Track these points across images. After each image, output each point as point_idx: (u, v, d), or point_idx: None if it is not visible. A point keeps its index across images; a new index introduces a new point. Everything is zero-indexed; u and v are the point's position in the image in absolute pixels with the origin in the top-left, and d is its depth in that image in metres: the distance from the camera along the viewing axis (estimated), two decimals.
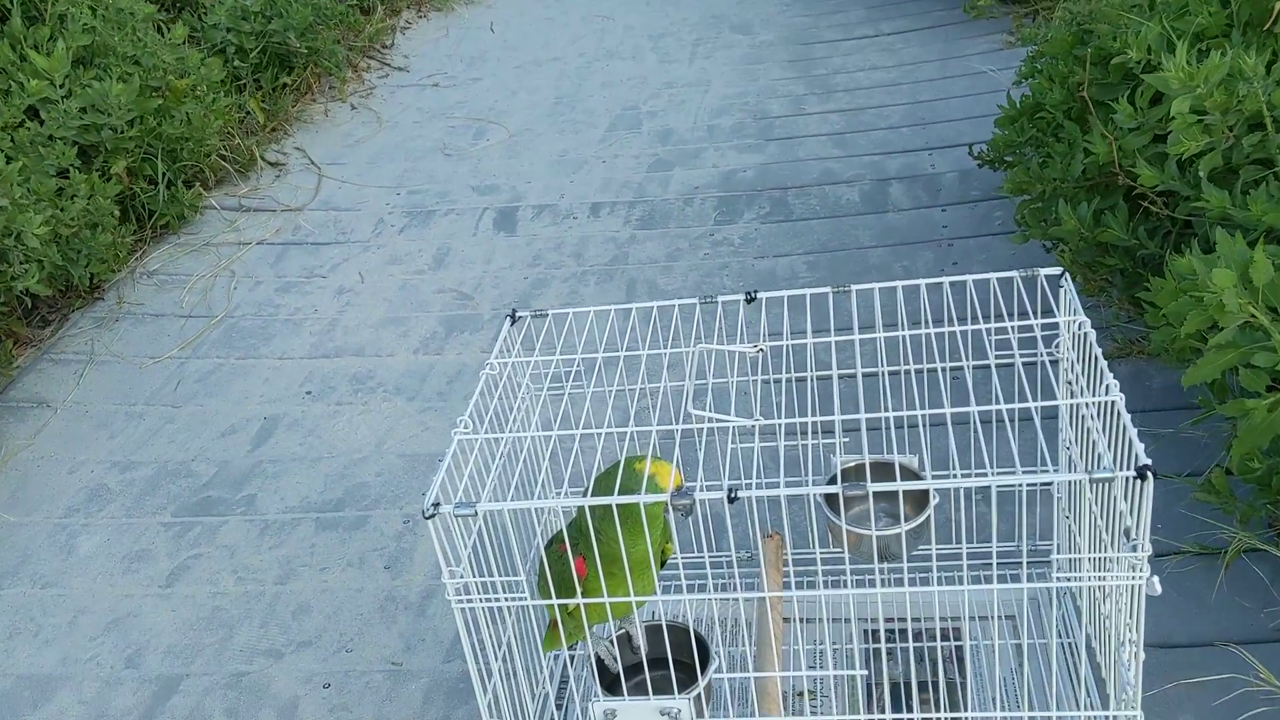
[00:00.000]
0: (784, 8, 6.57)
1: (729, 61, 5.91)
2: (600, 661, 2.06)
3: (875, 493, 2.34)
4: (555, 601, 1.90)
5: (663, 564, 2.07)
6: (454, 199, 4.80)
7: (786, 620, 2.39)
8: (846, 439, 2.19)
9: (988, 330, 1.98)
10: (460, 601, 1.85)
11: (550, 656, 2.34)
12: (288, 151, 5.31)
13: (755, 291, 2.17)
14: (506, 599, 1.89)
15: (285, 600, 2.86)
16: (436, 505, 1.80)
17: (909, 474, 2.32)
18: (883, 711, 2.18)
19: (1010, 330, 2.01)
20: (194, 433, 3.53)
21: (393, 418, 3.48)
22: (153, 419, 3.62)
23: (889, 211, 4.20)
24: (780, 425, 1.80)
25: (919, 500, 2.30)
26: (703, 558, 2.16)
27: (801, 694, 2.33)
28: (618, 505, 1.75)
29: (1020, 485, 1.69)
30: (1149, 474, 1.61)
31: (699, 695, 1.92)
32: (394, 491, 3.17)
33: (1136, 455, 1.63)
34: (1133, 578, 1.72)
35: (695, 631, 1.99)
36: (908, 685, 2.28)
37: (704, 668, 1.96)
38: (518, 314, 2.23)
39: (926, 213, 4.14)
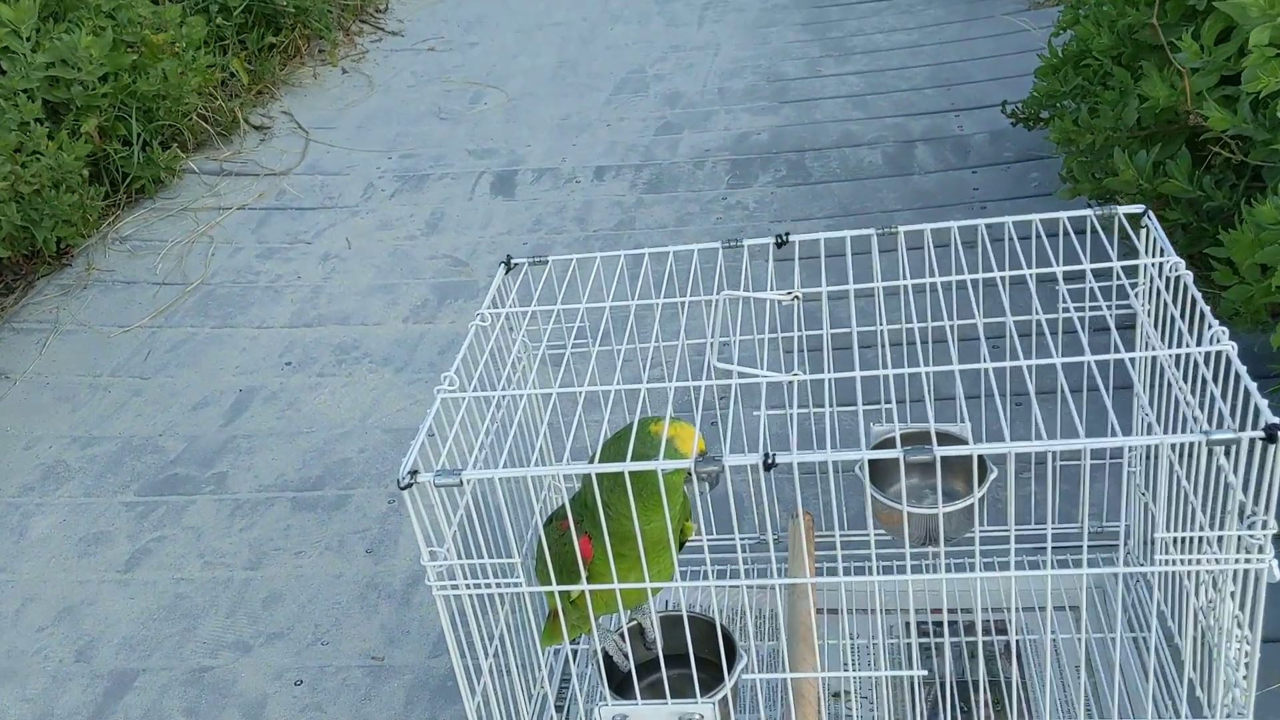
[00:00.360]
0: None
1: (740, 25, 5.61)
2: (608, 658, 1.78)
3: (919, 466, 2.06)
4: (556, 588, 1.62)
5: (681, 545, 1.79)
6: (449, 163, 4.51)
7: (818, 612, 2.10)
8: (890, 405, 1.90)
9: (1061, 275, 1.69)
10: (443, 588, 1.57)
11: (550, 652, 2.06)
12: (273, 115, 5.02)
13: (787, 234, 1.88)
14: (498, 585, 1.60)
15: (255, 587, 2.58)
16: (414, 474, 1.52)
17: (960, 444, 2.04)
18: (939, 717, 1.90)
19: (1087, 276, 1.72)
20: (163, 406, 3.25)
21: (379, 390, 3.19)
22: (119, 391, 3.34)
23: (915, 174, 3.91)
24: (828, 382, 1.51)
25: (968, 476, 2.01)
26: (731, 539, 1.88)
27: (837, 695, 2.04)
28: (631, 474, 1.47)
29: (1125, 445, 1.41)
30: (1278, 435, 1.33)
31: (725, 698, 1.63)
32: (378, 469, 2.89)
33: (1261, 414, 1.35)
34: (1248, 561, 1.44)
35: (720, 624, 1.71)
36: (962, 685, 2.00)
37: (730, 666, 1.68)
38: (513, 260, 1.95)
39: (956, 175, 3.84)
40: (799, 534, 2.12)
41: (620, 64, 5.32)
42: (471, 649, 1.64)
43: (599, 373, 1.85)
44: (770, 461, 1.41)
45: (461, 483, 1.51)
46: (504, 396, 1.71)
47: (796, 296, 1.73)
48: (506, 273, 1.90)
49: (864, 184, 3.89)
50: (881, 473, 2.01)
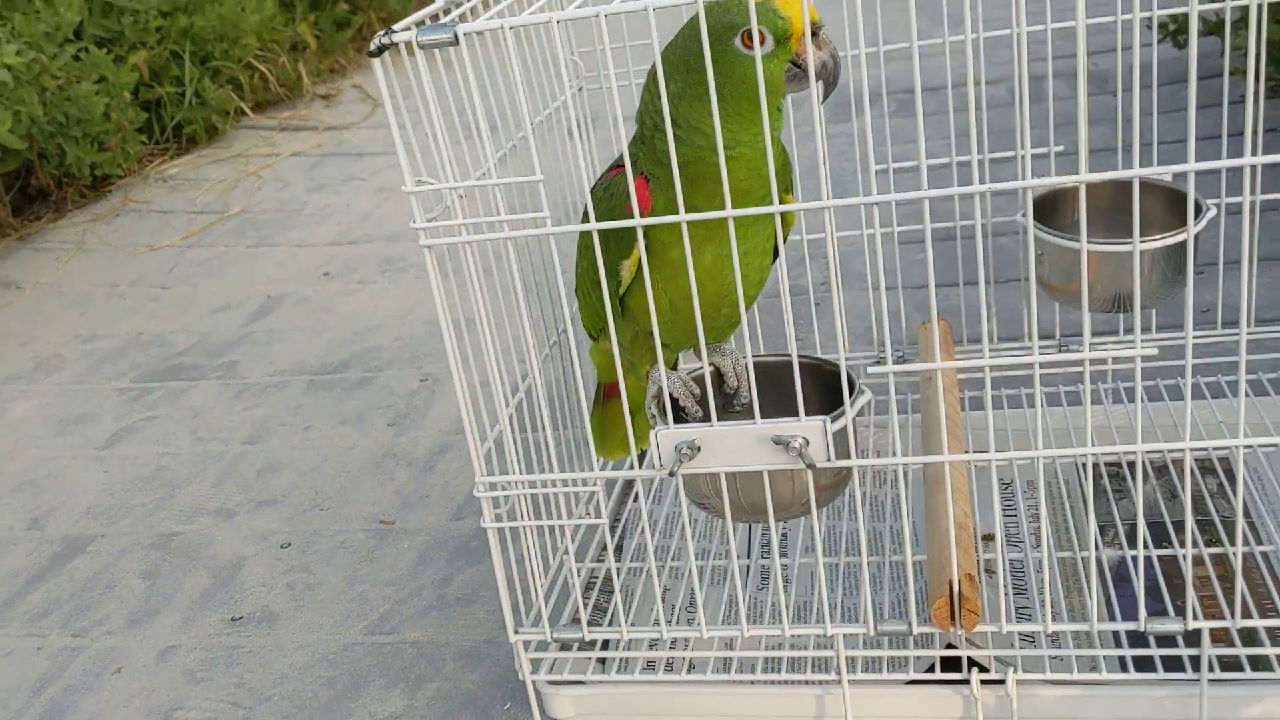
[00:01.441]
0: None
1: None
2: (676, 404, 1.27)
3: (1107, 211, 1.53)
4: (604, 286, 1.12)
5: (777, 245, 1.29)
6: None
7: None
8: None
9: None
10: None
11: (603, 466, 1.56)
12: (341, 88, 4.72)
13: None
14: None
15: (251, 459, 2.11)
16: (390, 32, 1.07)
17: (1159, 193, 1.52)
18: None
19: None
20: (180, 309, 2.84)
21: (424, 291, 2.75)
22: (135, 298, 2.95)
23: None
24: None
25: (1165, 219, 1.48)
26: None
27: (991, 536, 1.50)
28: (710, 59, 0.98)
29: None
30: None
31: (843, 431, 1.11)
32: (413, 353, 2.43)
33: None
34: None
35: (845, 369, 1.19)
36: (1158, 526, 1.44)
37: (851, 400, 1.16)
38: None
39: None
40: (933, 341, 1.60)
41: None
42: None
43: None
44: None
45: (456, 38, 1.04)
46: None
47: None
48: None
49: None
50: (1052, 219, 1.50)
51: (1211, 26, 2.99)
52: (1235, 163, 0.92)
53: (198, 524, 1.93)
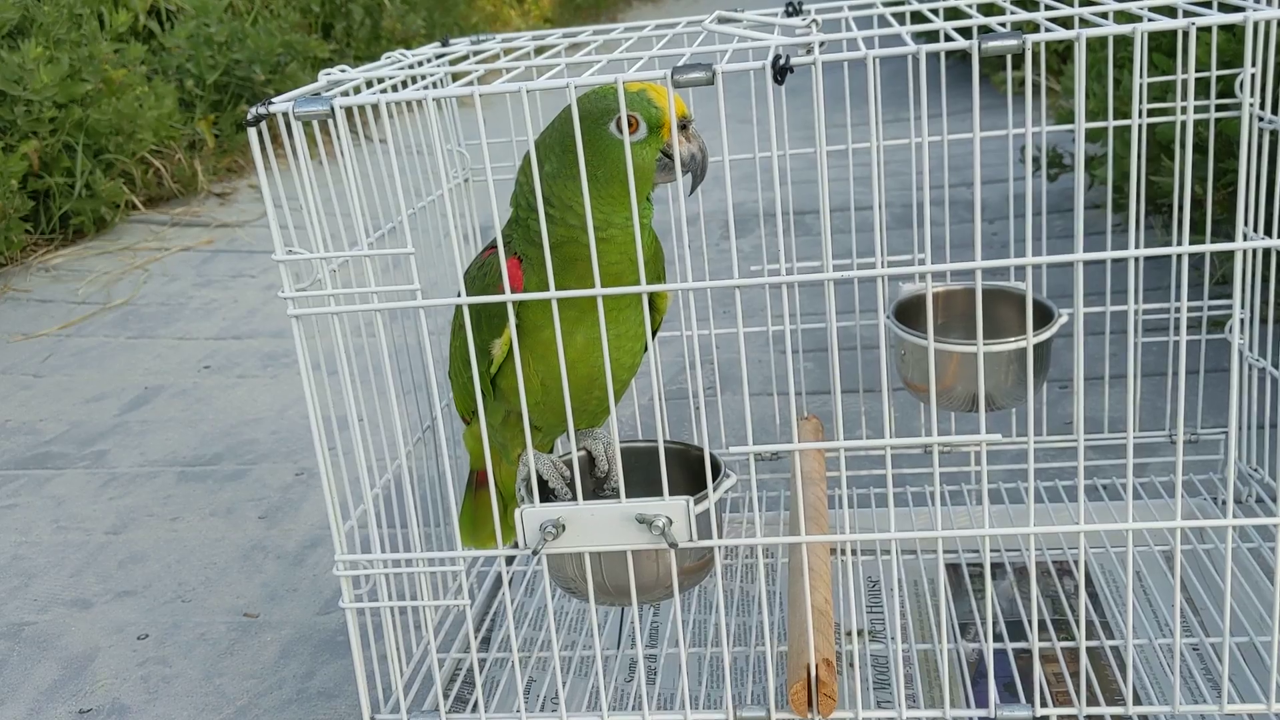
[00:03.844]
0: None
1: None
2: (543, 484, 1.28)
3: (965, 320, 1.60)
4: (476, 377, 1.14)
5: (655, 328, 1.32)
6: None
7: (833, 553, 1.58)
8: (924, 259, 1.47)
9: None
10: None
11: (469, 562, 1.55)
12: (238, 187, 4.71)
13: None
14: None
15: (114, 550, 2.04)
16: (268, 103, 1.09)
17: (1017, 302, 1.59)
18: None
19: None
20: (52, 399, 2.76)
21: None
22: (4, 385, 2.86)
23: None
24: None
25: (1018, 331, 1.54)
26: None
27: (861, 632, 1.51)
28: (585, 141, 1.03)
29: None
30: None
31: (706, 513, 1.13)
32: (290, 448, 2.39)
33: None
34: None
35: (708, 452, 1.22)
36: (1015, 625, 1.47)
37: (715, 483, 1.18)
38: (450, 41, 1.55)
39: None
40: (805, 435, 1.64)
41: None
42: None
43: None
44: (783, 65, 0.97)
45: (332, 110, 1.07)
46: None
47: (815, 22, 1.32)
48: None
49: None
50: (918, 324, 1.56)
51: (1085, 160, 3.17)
52: (1064, 259, 0.98)
53: (52, 614, 1.86)
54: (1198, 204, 2.35)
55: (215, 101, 4.88)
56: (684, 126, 1.11)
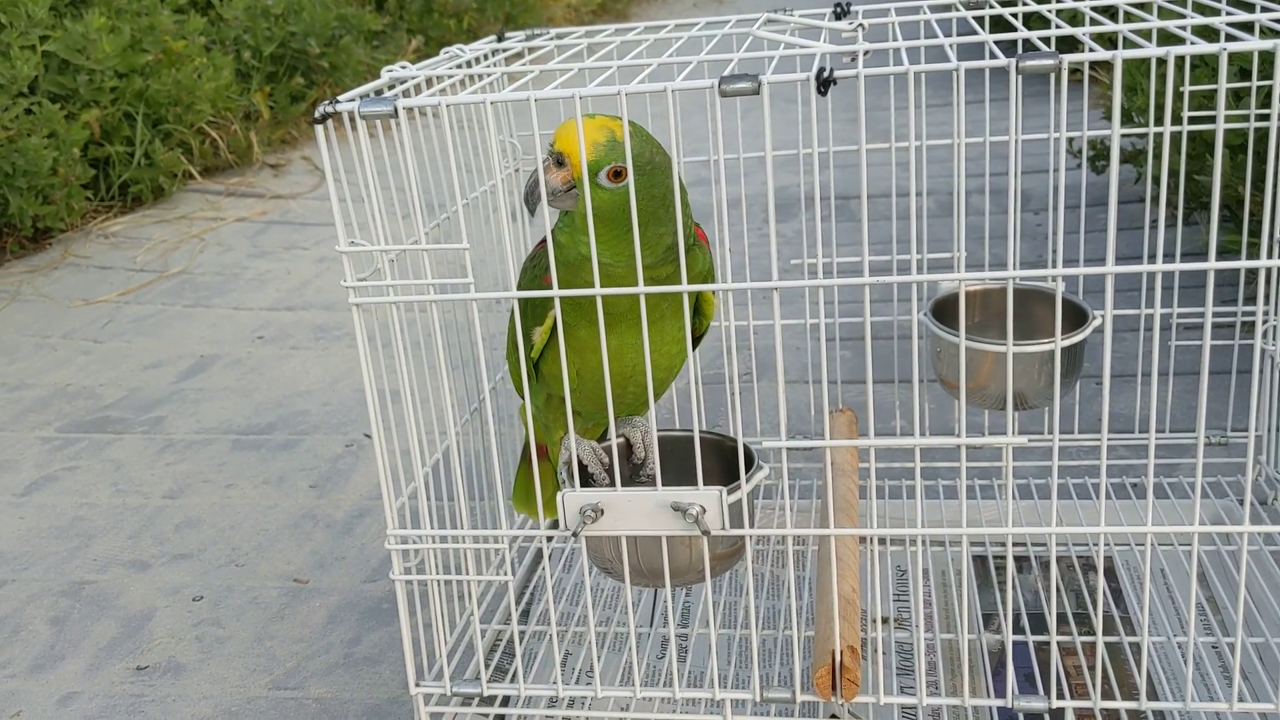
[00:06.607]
0: None
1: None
2: (584, 470, 1.33)
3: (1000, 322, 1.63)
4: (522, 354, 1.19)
5: (699, 334, 1.37)
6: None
7: (863, 542, 1.63)
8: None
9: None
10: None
11: (511, 538, 1.61)
12: (291, 158, 4.79)
13: (849, 2, 1.53)
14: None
15: (170, 514, 2.13)
16: (334, 102, 1.14)
17: (1054, 302, 1.62)
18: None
19: None
20: (111, 364, 2.86)
21: (356, 360, 2.78)
22: (66, 350, 2.96)
23: None
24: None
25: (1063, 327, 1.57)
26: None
27: (887, 620, 1.56)
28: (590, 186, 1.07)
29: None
30: None
31: (739, 502, 1.18)
32: (341, 419, 2.47)
33: None
34: None
35: (741, 443, 1.27)
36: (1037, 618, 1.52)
37: (748, 474, 1.23)
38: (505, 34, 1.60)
39: None
40: (838, 429, 1.69)
41: None
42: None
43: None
44: (827, 77, 1.01)
45: (395, 111, 1.12)
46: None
47: (862, 26, 1.36)
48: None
49: None
50: (955, 323, 1.59)
51: (1128, 155, 3.17)
52: (1095, 270, 1.01)
53: (111, 574, 1.94)
54: (1242, 204, 2.37)
55: (270, 73, 4.95)
56: (561, 163, 1.17)
